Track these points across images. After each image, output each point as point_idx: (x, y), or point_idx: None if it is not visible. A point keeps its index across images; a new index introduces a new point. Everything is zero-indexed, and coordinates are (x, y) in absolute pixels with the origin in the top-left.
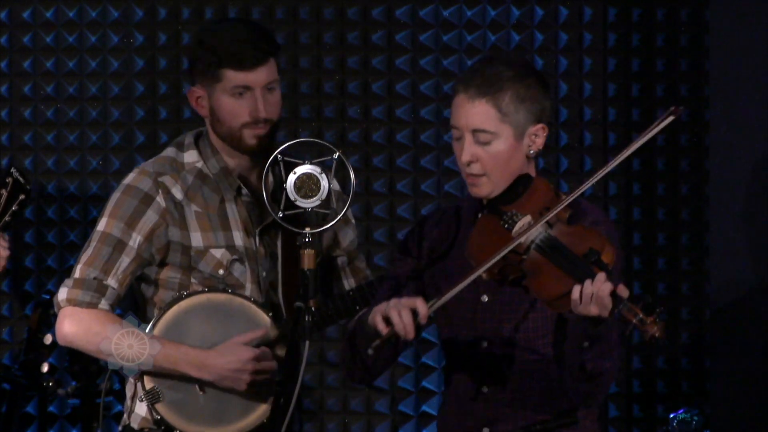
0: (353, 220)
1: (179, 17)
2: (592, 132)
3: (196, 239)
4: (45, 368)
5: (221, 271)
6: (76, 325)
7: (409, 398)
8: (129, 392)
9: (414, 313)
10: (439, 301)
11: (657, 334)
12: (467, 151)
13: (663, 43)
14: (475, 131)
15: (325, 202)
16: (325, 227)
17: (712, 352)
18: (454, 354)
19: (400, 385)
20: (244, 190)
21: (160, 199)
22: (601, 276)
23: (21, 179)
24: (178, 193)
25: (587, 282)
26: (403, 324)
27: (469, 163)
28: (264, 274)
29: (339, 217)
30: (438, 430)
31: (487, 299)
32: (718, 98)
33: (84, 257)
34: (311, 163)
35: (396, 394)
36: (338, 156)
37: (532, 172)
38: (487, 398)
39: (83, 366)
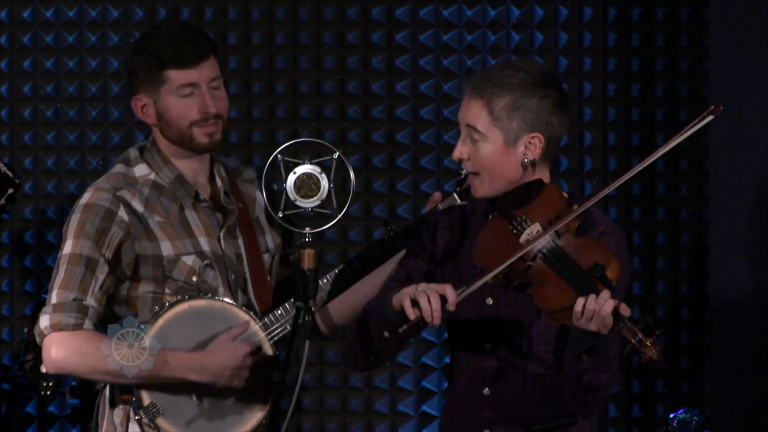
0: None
1: (179, 17)
2: (593, 132)
3: (167, 248)
4: (45, 368)
5: (194, 278)
6: (64, 349)
7: (409, 398)
8: (117, 418)
9: (443, 299)
10: (467, 289)
11: (654, 357)
12: (457, 147)
13: (663, 43)
14: (468, 126)
15: (325, 202)
16: (325, 227)
17: (712, 352)
18: (459, 354)
19: (400, 385)
20: (202, 196)
21: (122, 213)
22: (604, 294)
23: (9, 173)
24: (138, 206)
25: (590, 298)
26: (431, 310)
27: (459, 160)
28: (233, 276)
29: (339, 216)
30: (441, 429)
31: (491, 302)
32: (718, 98)
33: (57, 282)
34: (311, 163)
35: (396, 394)
36: (338, 156)
37: (546, 178)
38: (488, 400)
39: None
